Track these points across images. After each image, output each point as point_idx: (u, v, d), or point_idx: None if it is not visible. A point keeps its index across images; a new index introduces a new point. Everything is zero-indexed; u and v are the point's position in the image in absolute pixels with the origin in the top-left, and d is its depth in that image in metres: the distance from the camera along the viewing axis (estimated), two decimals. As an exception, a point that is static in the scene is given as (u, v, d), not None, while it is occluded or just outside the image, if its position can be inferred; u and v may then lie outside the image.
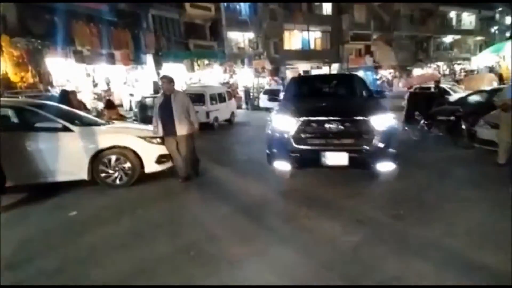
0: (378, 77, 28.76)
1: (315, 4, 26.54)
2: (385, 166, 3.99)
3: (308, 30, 25.58)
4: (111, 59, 13.81)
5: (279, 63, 23.31)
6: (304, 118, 4.04)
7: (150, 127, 5.99)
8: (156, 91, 14.71)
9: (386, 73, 29.77)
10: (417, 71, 30.99)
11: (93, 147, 4.59)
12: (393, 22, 28.93)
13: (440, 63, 32.71)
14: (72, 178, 4.60)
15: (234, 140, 9.91)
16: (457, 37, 34.31)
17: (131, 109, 13.85)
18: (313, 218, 3.54)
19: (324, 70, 27.80)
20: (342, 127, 3.96)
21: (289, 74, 24.89)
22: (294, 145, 4.02)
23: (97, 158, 4.61)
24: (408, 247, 2.87)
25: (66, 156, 4.48)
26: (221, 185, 4.90)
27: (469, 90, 13.48)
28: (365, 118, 3.98)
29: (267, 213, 3.79)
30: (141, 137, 4.90)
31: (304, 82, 6.72)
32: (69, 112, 5.44)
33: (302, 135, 4.04)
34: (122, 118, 9.02)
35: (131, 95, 14.44)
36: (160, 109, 4.73)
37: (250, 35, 21.99)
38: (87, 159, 4.55)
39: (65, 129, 4.53)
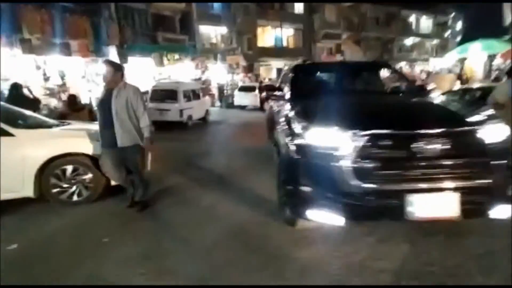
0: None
1: (287, 2, 26.22)
2: (504, 211, 2.32)
3: (281, 27, 25.17)
4: (67, 50, 12.17)
5: (253, 59, 22.61)
6: (372, 131, 2.27)
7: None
8: (120, 86, 13.35)
9: (356, 73, 30.26)
10: (382, 72, 31.97)
11: (40, 155, 3.53)
12: (361, 23, 29.50)
13: (402, 64, 34.06)
14: (12, 196, 3.51)
15: (210, 140, 9.05)
16: (417, 39, 36.04)
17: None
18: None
19: (297, 68, 27.59)
20: (441, 147, 2.25)
21: (263, 71, 24.33)
22: (355, 182, 2.24)
23: (47, 170, 3.56)
24: None
25: (2, 168, 3.38)
26: (200, 207, 4.04)
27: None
28: (478, 129, 2.34)
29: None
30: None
31: (318, 72, 4.85)
32: (10, 111, 4.28)
33: (368, 164, 2.25)
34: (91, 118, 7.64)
35: (89, 91, 12.93)
36: (100, 109, 3.44)
37: (223, 30, 21.01)
38: (32, 171, 3.49)
39: (2, 133, 3.43)
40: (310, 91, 3.92)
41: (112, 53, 13.47)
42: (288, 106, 3.41)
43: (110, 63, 3.47)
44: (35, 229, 3.21)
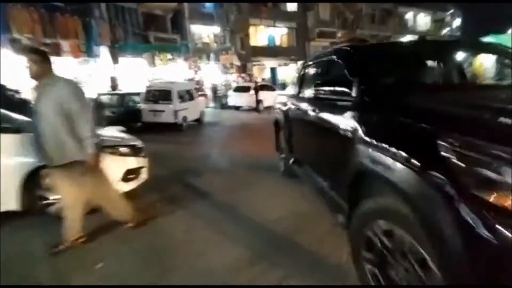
0: (343, 74, 29.25)
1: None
2: None
3: (274, 26, 24.94)
4: (57, 50, 11.85)
5: (246, 59, 22.36)
6: None
7: (111, 130, 4.79)
8: (113, 87, 13.03)
9: (350, 71, 30.19)
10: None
11: (26, 163, 3.25)
12: (356, 21, 29.36)
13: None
14: (-5, 209, 3.22)
15: (207, 142, 8.82)
16: (414, 37, 35.83)
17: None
18: None
19: (291, 67, 27.42)
20: None
21: (256, 71, 24.09)
22: None
23: (34, 179, 3.29)
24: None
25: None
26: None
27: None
28: None
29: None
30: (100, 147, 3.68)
31: (400, 57, 2.92)
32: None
33: None
34: None
35: (82, 92, 12.62)
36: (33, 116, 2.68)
37: (215, 29, 20.71)
38: (17, 181, 3.21)
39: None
40: (403, 88, 2.38)
41: (104, 53, 13.14)
42: (365, 112, 2.05)
43: (33, 50, 2.75)
44: (17, 249, 2.88)
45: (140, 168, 4.06)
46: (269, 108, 15.98)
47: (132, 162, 3.93)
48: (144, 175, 4.14)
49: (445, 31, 38.16)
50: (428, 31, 36.93)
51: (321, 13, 27.66)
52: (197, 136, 9.79)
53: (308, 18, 27.13)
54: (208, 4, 20.28)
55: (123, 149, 3.89)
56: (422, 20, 37.22)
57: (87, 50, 12.59)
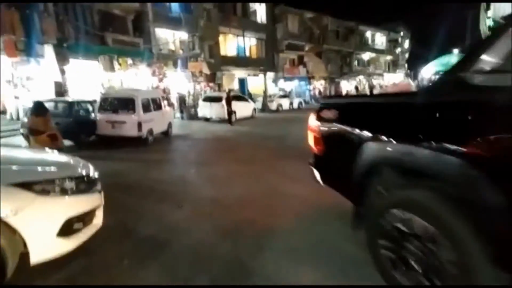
0: (311, 87, 29.63)
1: (250, 10, 25.43)
2: None
3: (243, 36, 24.22)
4: (-14, 47, 9.65)
5: (215, 68, 21.10)
6: None
7: (52, 154, 3.29)
8: (59, 93, 10.99)
9: (318, 84, 30.60)
10: (344, 83, 33.54)
11: None
12: (322, 36, 29.87)
13: (361, 77, 35.59)
14: None
15: (178, 160, 7.36)
16: (373, 55, 37.82)
17: (18, 118, 9.90)
18: None
19: (260, 78, 26.79)
20: None
21: (224, 81, 22.94)
22: None
23: None
24: None
25: None
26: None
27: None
28: None
29: None
30: (23, 184, 2.19)
31: None
32: None
33: None
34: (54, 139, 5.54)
35: (17, 97, 10.49)
36: None
37: (182, 35, 19.25)
38: None
39: None
40: None
41: (48, 53, 11.06)
42: None
43: None
44: None
45: (92, 211, 2.65)
46: (241, 120, 14.88)
47: (79, 203, 2.54)
48: (98, 221, 2.75)
49: (398, 50, 41.35)
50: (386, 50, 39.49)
51: (289, 26, 27.65)
52: (165, 152, 8.27)
53: (277, 30, 26.90)
54: (174, 8, 18.80)
55: (65, 183, 2.46)
56: (379, 40, 39.34)
57: (26, 49, 10.43)
